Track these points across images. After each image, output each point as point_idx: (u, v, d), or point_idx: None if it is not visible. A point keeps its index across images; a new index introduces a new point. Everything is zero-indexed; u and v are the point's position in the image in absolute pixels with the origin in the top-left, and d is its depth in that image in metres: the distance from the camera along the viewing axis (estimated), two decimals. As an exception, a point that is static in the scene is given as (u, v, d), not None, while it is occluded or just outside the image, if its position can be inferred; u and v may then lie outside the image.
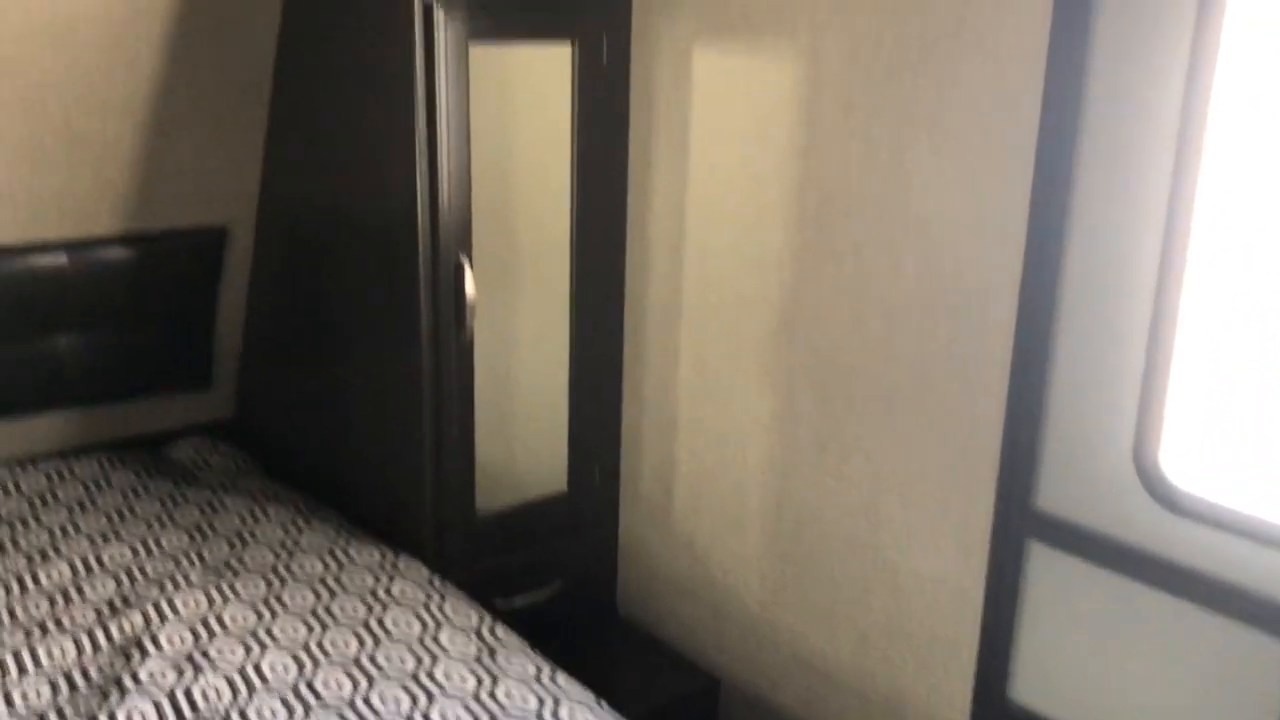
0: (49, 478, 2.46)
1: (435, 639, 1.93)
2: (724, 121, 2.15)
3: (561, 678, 1.86)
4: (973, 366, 1.83)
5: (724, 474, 2.29)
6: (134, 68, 2.19)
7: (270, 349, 2.68)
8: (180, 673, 1.79)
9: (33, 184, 2.22)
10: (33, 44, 2.04)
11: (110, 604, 2.00)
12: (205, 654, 1.85)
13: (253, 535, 2.26)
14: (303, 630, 1.94)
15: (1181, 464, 1.64)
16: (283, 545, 2.22)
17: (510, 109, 2.34)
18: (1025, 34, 1.67)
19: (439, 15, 1.97)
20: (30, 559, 2.13)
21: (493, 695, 1.79)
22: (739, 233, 2.17)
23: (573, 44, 2.19)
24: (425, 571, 2.16)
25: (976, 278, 1.80)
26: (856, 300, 1.98)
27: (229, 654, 1.85)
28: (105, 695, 1.73)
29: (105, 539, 2.22)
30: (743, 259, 2.16)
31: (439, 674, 1.84)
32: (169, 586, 2.05)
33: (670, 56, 2.21)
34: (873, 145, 1.90)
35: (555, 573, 2.43)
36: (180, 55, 2.22)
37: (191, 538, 2.24)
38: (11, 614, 1.95)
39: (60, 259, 2.37)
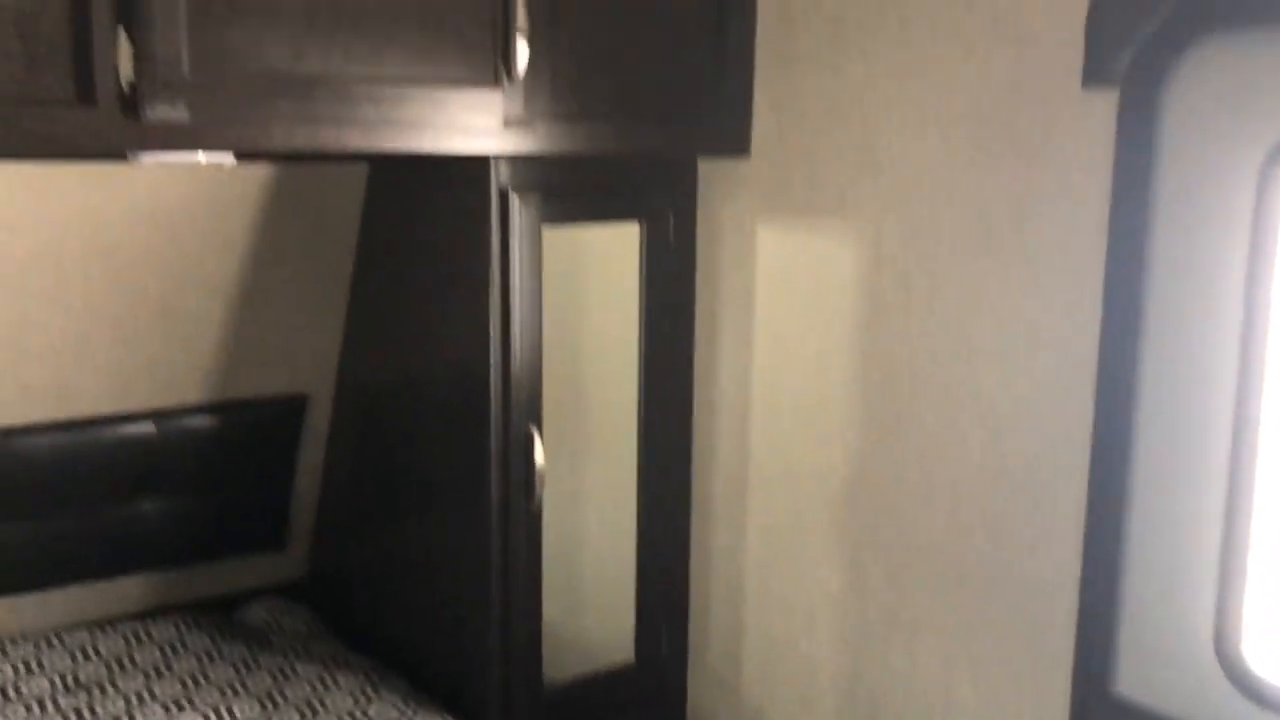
0: (127, 640, 2.51)
1: (500, 820, 1.91)
2: (787, 296, 2.20)
3: None
4: (1044, 545, 1.81)
5: (793, 647, 2.26)
6: (227, 249, 2.31)
7: (344, 511, 2.73)
8: None
9: (126, 357, 2.33)
10: (137, 228, 2.17)
11: (181, 776, 2.01)
12: (272, 833, 1.84)
13: (322, 704, 2.27)
14: (368, 808, 1.93)
15: (1266, 652, 1.59)
16: (351, 715, 2.23)
17: (580, 282, 2.41)
18: (1085, 216, 1.70)
19: (514, 201, 2.06)
20: (106, 727, 2.16)
21: None
22: (805, 404, 2.19)
23: (641, 224, 2.27)
24: (491, 745, 2.15)
25: (1044, 456, 1.80)
26: (924, 474, 1.98)
27: (295, 833, 1.85)
28: None
29: (180, 707, 2.25)
30: (809, 430, 2.18)
31: None
32: (239, 759, 2.06)
33: (734, 234, 2.27)
34: (935, 323, 1.92)
35: (622, 746, 2.40)
36: (270, 237, 2.34)
37: (263, 706, 2.26)
38: (85, 786, 1.98)
39: (148, 428, 2.47)
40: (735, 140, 2.20)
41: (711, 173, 2.30)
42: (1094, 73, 1.64)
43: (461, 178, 2.11)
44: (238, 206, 2.27)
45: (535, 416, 2.18)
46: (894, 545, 2.04)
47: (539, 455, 2.17)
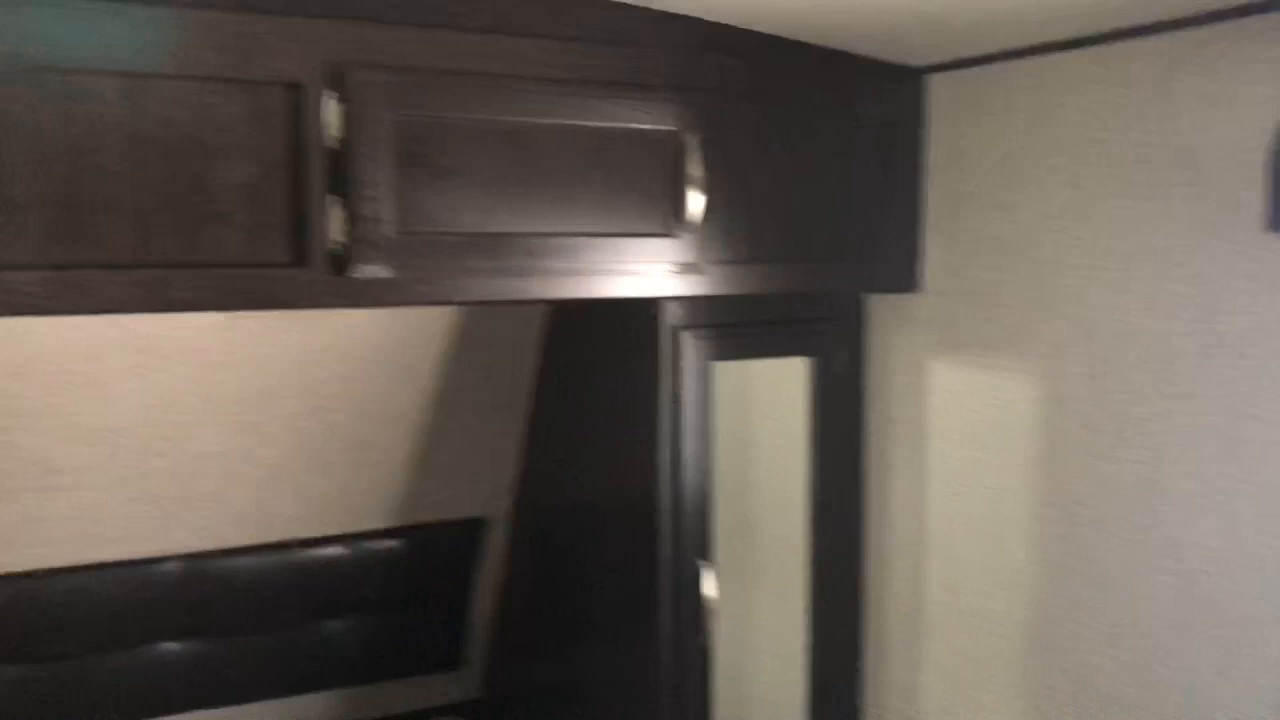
0: (312, 756, 2.61)
1: None
2: (962, 432, 2.18)
3: None
4: (1246, 705, 1.71)
5: (972, 799, 2.18)
6: (411, 384, 2.45)
7: (520, 634, 2.80)
8: None
9: (320, 486, 2.48)
10: (333, 366, 2.32)
11: None
12: None
13: (494, 830, 2.30)
14: None
15: None
16: (522, 844, 2.25)
17: (748, 412, 2.45)
18: (1276, 362, 1.65)
19: (684, 339, 2.13)
20: (291, 844, 2.25)
21: None
22: (981, 542, 2.15)
23: (810, 358, 2.29)
24: None
25: (1241, 608, 1.71)
26: (1110, 623, 1.90)
27: None
28: None
29: (359, 826, 2.32)
30: (986, 570, 2.13)
31: None
32: None
33: (906, 368, 2.28)
34: (1119, 466, 1.87)
35: None
36: (454, 370, 2.47)
37: (437, 829, 2.31)
38: None
39: (339, 551, 2.60)
40: (904, 277, 2.22)
41: (882, 307, 2.32)
42: (1278, 218, 1.60)
43: (634, 316, 2.19)
44: (424, 344, 2.41)
45: (705, 550, 2.20)
46: (1080, 697, 1.96)
47: (709, 589, 2.19)
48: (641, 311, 2.15)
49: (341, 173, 1.63)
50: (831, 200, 2.11)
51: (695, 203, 1.91)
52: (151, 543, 2.37)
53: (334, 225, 1.63)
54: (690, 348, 2.14)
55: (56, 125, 1.48)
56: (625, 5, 1.83)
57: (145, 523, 2.33)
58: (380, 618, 2.73)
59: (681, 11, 1.86)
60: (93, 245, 1.50)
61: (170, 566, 2.40)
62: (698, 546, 2.19)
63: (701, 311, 2.14)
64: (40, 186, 1.47)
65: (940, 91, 2.16)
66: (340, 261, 1.64)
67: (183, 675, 2.54)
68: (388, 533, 2.64)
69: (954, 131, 2.14)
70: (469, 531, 2.74)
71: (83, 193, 1.50)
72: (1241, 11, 1.64)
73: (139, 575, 2.39)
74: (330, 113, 1.61)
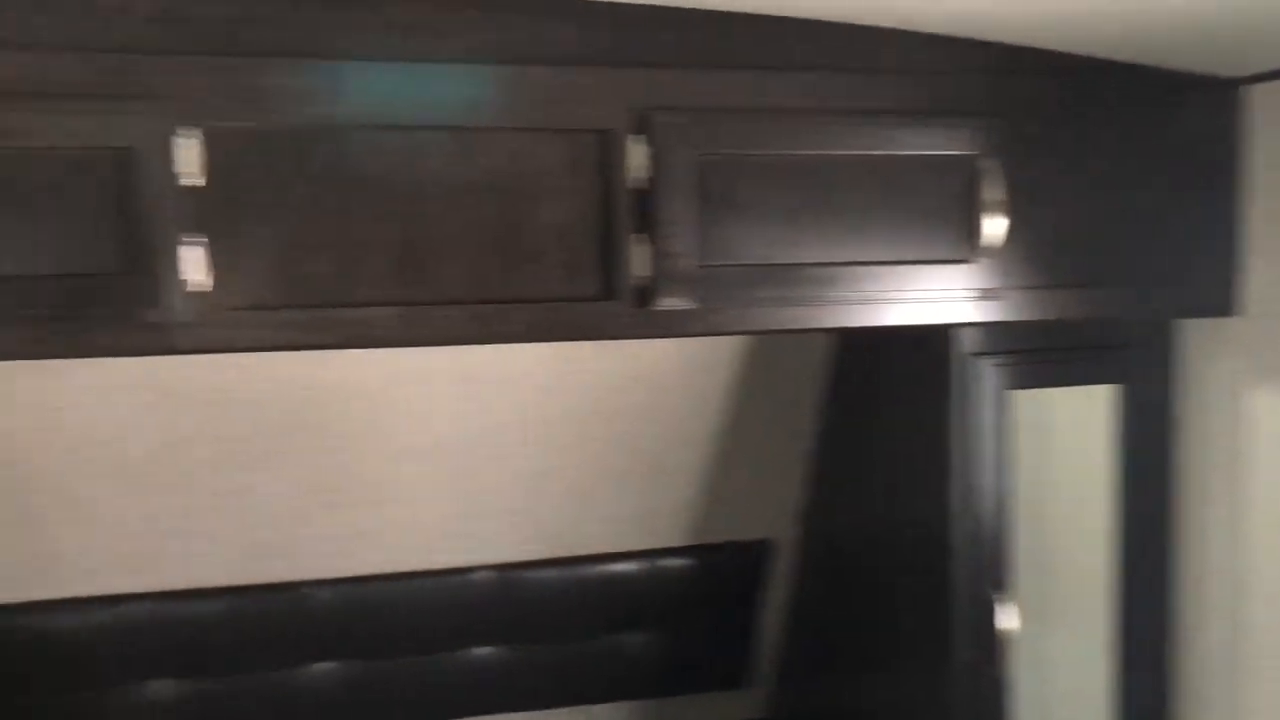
0: (601, 766, 2.74)
1: None
2: (1289, 466, 2.03)
3: None
4: None
5: None
6: (705, 406, 2.53)
7: (806, 657, 2.82)
8: None
9: (621, 503, 2.61)
10: (630, 393, 2.44)
11: None
12: None
13: None
14: None
15: None
16: None
17: (1046, 442, 2.37)
18: None
19: (978, 367, 2.09)
20: None
21: None
22: (1312, 586, 1.99)
23: (1113, 386, 2.20)
24: None
25: None
26: None
27: None
28: None
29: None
30: (1319, 615, 1.97)
31: None
32: None
33: (1223, 395, 2.13)
34: None
35: None
36: (743, 395, 2.54)
37: (726, 844, 2.36)
38: None
39: (633, 567, 2.72)
40: (1221, 299, 2.08)
41: (1196, 331, 2.19)
42: None
43: (925, 342, 2.17)
44: (715, 369, 2.49)
45: (1002, 582, 2.15)
46: None
47: (1005, 621, 2.13)
48: (933, 338, 2.13)
49: (646, 211, 1.71)
50: (1140, 220, 2.01)
51: (994, 227, 1.87)
52: (467, 553, 2.56)
53: (639, 261, 1.72)
54: (987, 376, 2.11)
55: (397, 177, 1.64)
56: (921, 34, 1.83)
57: (462, 535, 2.53)
58: (671, 634, 2.83)
59: (984, 37, 1.84)
60: (430, 284, 1.66)
61: (483, 576, 2.59)
62: (994, 578, 2.14)
63: (998, 338, 2.10)
64: (384, 233, 1.64)
65: (1261, 102, 2.02)
66: (645, 294, 1.73)
67: (490, 679, 2.73)
68: (679, 551, 2.74)
69: (1277, 144, 2.00)
70: (756, 553, 2.80)
71: (420, 237, 1.66)
72: None
73: (455, 583, 2.59)
74: (636, 155, 1.71)
